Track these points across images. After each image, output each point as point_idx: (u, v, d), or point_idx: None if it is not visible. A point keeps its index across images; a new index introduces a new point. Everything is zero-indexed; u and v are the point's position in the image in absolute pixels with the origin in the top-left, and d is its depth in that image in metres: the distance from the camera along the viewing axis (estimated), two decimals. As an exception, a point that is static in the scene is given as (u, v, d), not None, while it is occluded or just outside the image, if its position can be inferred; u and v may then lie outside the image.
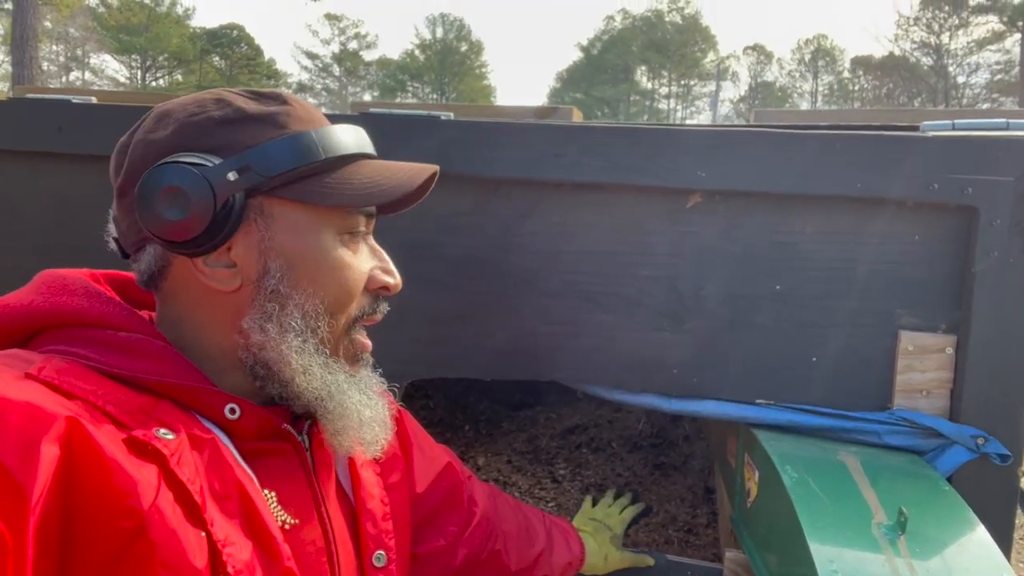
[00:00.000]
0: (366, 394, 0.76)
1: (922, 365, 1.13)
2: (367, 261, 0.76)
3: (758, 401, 1.19)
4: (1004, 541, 1.03)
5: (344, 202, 0.72)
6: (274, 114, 0.71)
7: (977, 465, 1.09)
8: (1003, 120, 1.08)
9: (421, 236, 1.27)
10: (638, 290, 1.21)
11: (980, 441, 1.07)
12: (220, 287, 0.70)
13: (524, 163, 1.21)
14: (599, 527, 1.24)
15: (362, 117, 1.27)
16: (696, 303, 1.19)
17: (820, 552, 0.88)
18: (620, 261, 1.21)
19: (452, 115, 1.25)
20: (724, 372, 1.19)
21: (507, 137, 1.21)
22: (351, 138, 0.75)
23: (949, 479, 1.08)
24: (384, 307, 0.78)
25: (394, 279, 0.78)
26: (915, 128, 1.13)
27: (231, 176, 0.67)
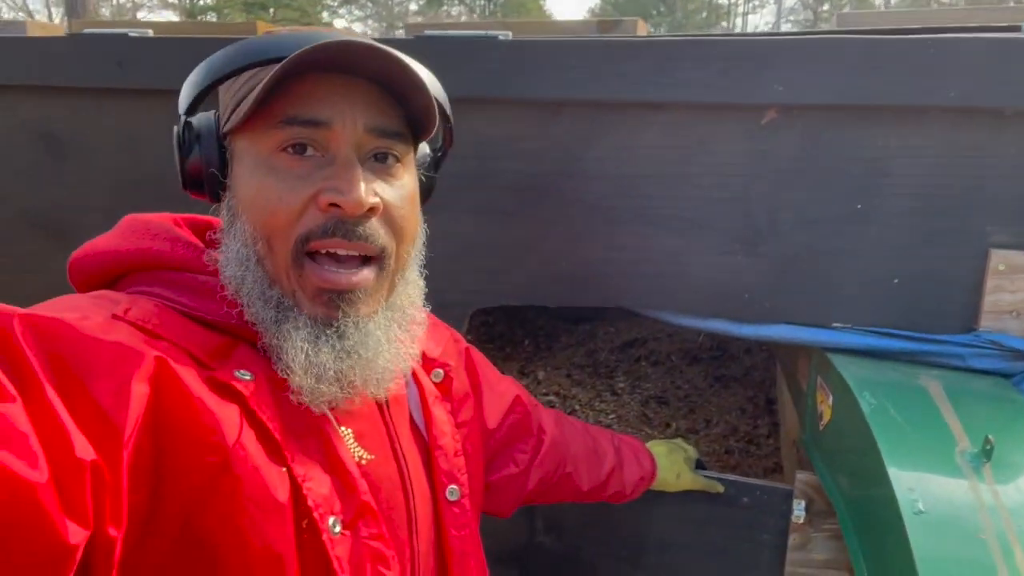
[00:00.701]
0: (320, 342, 0.67)
1: (1013, 285, 1.07)
2: (309, 178, 0.67)
3: (834, 325, 1.15)
4: (1095, 467, 1.00)
5: (242, 115, 0.67)
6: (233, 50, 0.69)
7: (1069, 389, 1.04)
8: (1121, 15, 0.98)
9: (482, 164, 1.24)
10: (709, 213, 1.17)
11: (1074, 364, 1.02)
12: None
13: (587, 83, 1.16)
14: (674, 447, 1.25)
15: (417, 40, 1.23)
16: (771, 225, 1.15)
17: (899, 479, 0.86)
18: (691, 184, 1.17)
19: (511, 34, 1.20)
20: (799, 296, 1.16)
21: (568, 56, 1.15)
22: (259, 47, 0.68)
23: (1038, 403, 1.04)
24: (363, 230, 0.68)
25: (343, 195, 0.66)
26: (1016, 28, 1.04)
27: (207, 124, 0.71)
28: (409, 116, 0.73)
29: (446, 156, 0.85)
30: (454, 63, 1.18)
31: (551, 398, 2.44)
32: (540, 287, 1.28)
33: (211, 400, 0.61)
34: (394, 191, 0.71)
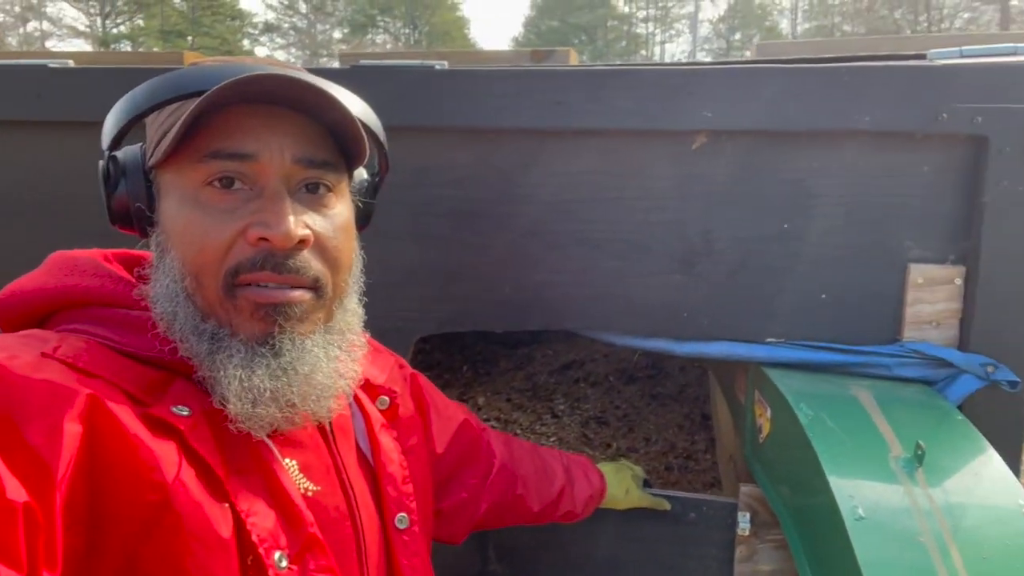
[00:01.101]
0: (255, 364, 0.66)
1: (931, 297, 1.14)
2: (236, 212, 0.67)
3: (768, 340, 1.19)
4: (1013, 466, 1.06)
5: (164, 150, 0.66)
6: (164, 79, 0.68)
7: (987, 393, 1.11)
8: (1011, 45, 1.06)
9: (423, 192, 1.25)
10: (646, 235, 1.20)
11: (990, 369, 1.09)
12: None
13: (524, 111, 1.18)
14: (622, 467, 1.27)
15: (353, 70, 1.22)
16: (705, 246, 1.19)
17: (840, 487, 0.90)
18: (627, 207, 1.20)
19: (446, 64, 1.21)
20: (734, 313, 1.20)
21: (505, 85, 1.17)
22: (181, 81, 0.67)
23: (959, 407, 1.10)
24: (293, 263, 0.67)
25: (271, 229, 0.65)
26: (922, 56, 1.11)
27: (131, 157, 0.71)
28: (340, 144, 0.73)
29: (383, 182, 0.85)
30: (391, 92, 1.19)
31: (492, 423, 2.44)
32: (483, 312, 1.28)
33: (148, 437, 0.60)
34: (326, 221, 0.70)
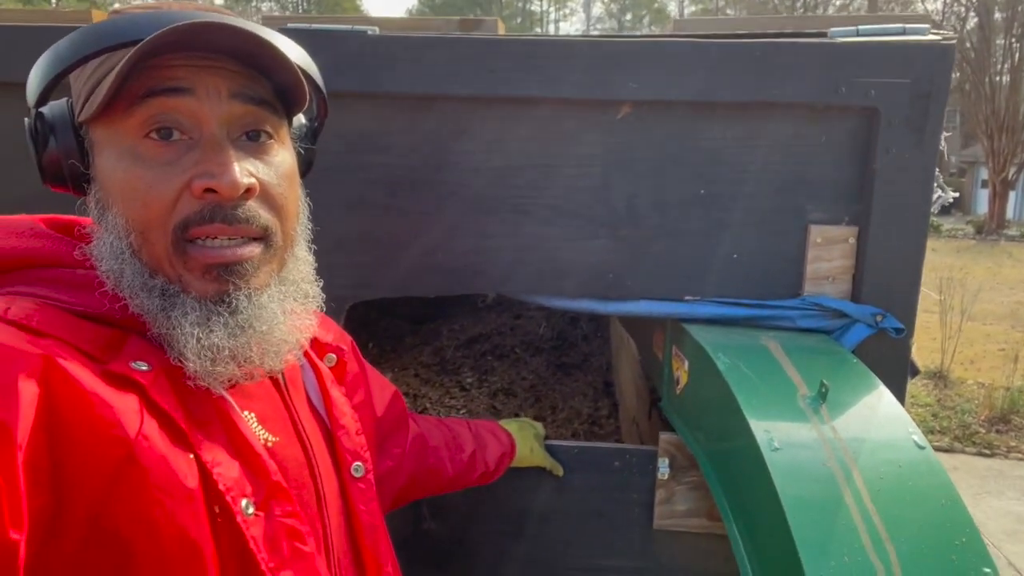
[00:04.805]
0: (212, 323, 0.67)
1: (828, 255, 1.25)
2: (178, 164, 0.66)
3: (687, 298, 1.28)
4: (899, 400, 1.20)
5: (100, 100, 0.65)
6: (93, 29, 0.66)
7: (876, 339, 1.24)
8: (900, 26, 1.18)
9: (352, 158, 1.25)
10: (574, 201, 1.26)
11: (878, 318, 1.22)
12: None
13: (456, 79, 1.20)
14: (524, 424, 1.33)
15: (280, 32, 1.21)
16: (628, 210, 1.26)
17: (757, 425, 0.99)
18: (555, 173, 1.25)
19: (377, 29, 1.22)
20: (655, 273, 1.28)
21: (438, 52, 1.19)
22: (111, 31, 0.66)
23: (854, 352, 1.22)
24: (242, 213, 0.67)
25: (216, 179, 0.65)
26: (823, 35, 1.21)
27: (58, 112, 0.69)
28: (279, 91, 0.73)
29: (322, 127, 0.86)
30: (321, 57, 1.17)
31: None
32: (416, 279, 1.31)
33: (108, 393, 0.60)
34: (270, 169, 0.71)
